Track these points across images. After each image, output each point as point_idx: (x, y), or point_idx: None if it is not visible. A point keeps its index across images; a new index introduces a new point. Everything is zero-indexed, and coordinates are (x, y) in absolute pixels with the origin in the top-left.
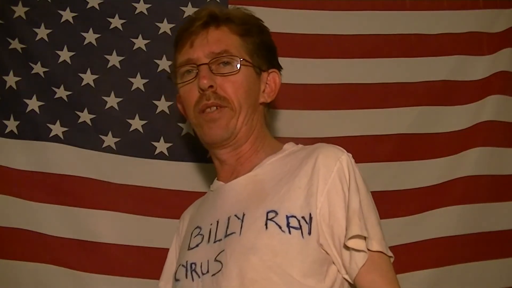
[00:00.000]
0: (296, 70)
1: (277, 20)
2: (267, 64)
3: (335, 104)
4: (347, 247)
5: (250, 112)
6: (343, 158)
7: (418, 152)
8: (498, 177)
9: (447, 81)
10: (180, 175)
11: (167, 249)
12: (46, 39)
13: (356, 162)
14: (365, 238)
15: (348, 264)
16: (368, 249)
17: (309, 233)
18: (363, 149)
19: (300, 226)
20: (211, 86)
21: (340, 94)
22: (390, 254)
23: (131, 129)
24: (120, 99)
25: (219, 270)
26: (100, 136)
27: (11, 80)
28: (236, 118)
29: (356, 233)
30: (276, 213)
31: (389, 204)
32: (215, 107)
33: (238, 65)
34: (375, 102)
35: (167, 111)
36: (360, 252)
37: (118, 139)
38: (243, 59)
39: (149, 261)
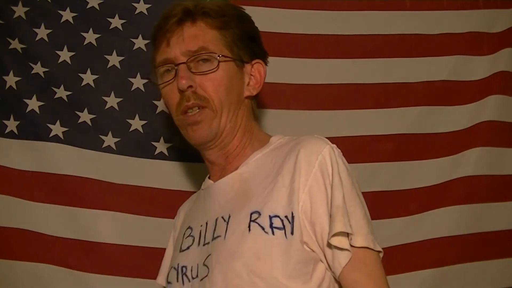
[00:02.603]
0: (296, 70)
1: (277, 20)
2: (250, 55)
3: (335, 104)
4: (330, 245)
5: (233, 109)
6: (325, 151)
7: (418, 152)
8: (498, 177)
9: (447, 81)
10: (180, 175)
11: None
12: (46, 39)
13: (356, 162)
14: (348, 235)
15: (331, 263)
16: (352, 246)
17: (292, 232)
18: (363, 149)
19: (284, 226)
20: (190, 86)
21: (340, 94)
22: (378, 248)
23: (131, 129)
24: (120, 99)
25: (206, 275)
26: (100, 136)
27: (11, 80)
28: (218, 119)
29: (339, 229)
30: (259, 214)
31: (389, 204)
32: (196, 108)
33: (217, 62)
34: (375, 102)
35: (167, 111)
36: (344, 251)
37: (118, 139)
38: (222, 55)
39: (149, 261)
